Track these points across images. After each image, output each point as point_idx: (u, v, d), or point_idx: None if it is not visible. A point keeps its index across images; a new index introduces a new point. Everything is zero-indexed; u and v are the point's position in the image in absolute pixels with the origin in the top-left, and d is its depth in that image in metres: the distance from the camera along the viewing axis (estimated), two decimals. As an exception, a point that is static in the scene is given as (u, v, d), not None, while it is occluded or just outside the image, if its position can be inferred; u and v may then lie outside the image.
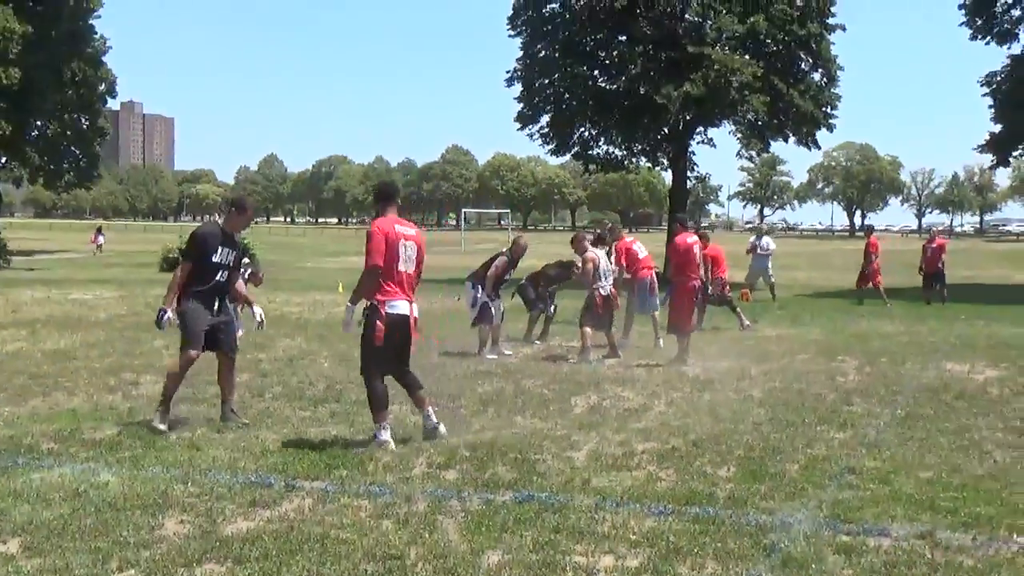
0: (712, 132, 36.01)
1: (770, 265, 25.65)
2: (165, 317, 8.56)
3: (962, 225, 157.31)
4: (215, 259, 8.60)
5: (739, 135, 35.16)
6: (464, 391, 10.70)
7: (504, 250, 14.36)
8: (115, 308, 20.35)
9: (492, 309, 13.73)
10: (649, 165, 39.47)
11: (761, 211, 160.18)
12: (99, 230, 66.38)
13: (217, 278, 8.66)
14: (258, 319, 9.42)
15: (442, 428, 8.22)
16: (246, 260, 10.88)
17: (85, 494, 6.49)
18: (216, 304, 8.76)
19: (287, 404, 9.87)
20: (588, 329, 13.45)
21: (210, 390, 10.47)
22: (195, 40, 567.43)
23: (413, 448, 7.92)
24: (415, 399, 8.34)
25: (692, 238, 14.31)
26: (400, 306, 7.89)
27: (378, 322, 7.81)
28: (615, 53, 33.46)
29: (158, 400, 8.65)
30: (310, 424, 8.95)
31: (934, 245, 25.69)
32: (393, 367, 8.16)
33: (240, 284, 9.56)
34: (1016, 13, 34.85)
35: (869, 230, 27.93)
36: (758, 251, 25.38)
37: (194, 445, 7.98)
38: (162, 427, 8.32)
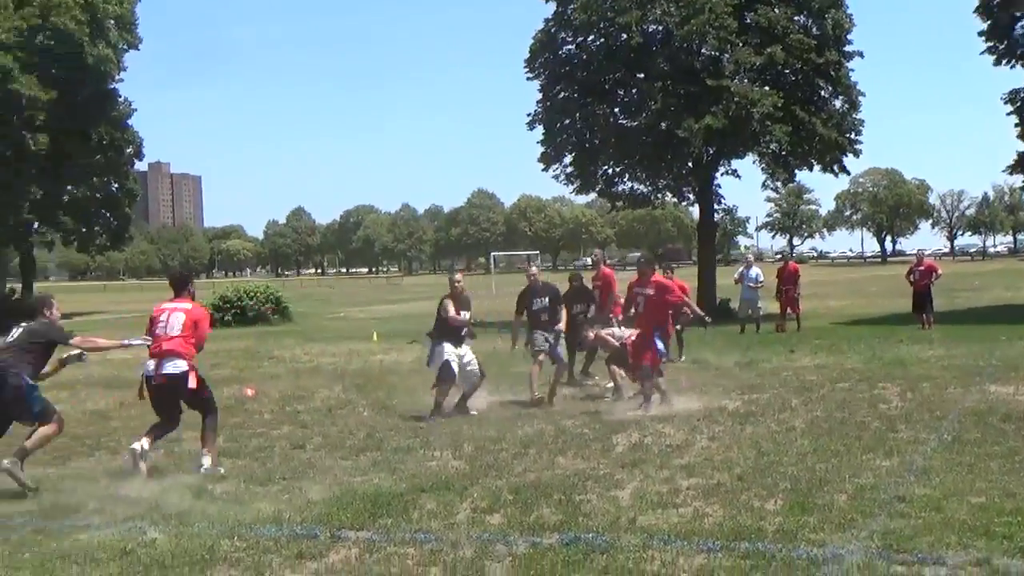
0: (737, 163, 35.83)
1: (760, 297, 24.79)
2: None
3: (995, 246, 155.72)
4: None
5: (763, 166, 35.01)
6: (504, 434, 10.66)
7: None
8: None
9: (453, 368, 12.29)
10: (675, 200, 39.36)
11: (791, 240, 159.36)
12: None
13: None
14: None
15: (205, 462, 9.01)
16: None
17: (133, 552, 6.51)
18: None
19: (328, 454, 9.88)
20: (616, 367, 13.37)
21: (252, 443, 10.53)
22: (219, 98, 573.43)
23: (457, 493, 7.90)
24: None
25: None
26: (147, 365, 9.26)
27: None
28: (634, 90, 33.47)
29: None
30: (352, 473, 8.94)
31: (921, 268, 24.88)
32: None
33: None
34: None
35: (785, 257, 27.14)
36: (747, 283, 24.51)
37: (238, 499, 8.00)
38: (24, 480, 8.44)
